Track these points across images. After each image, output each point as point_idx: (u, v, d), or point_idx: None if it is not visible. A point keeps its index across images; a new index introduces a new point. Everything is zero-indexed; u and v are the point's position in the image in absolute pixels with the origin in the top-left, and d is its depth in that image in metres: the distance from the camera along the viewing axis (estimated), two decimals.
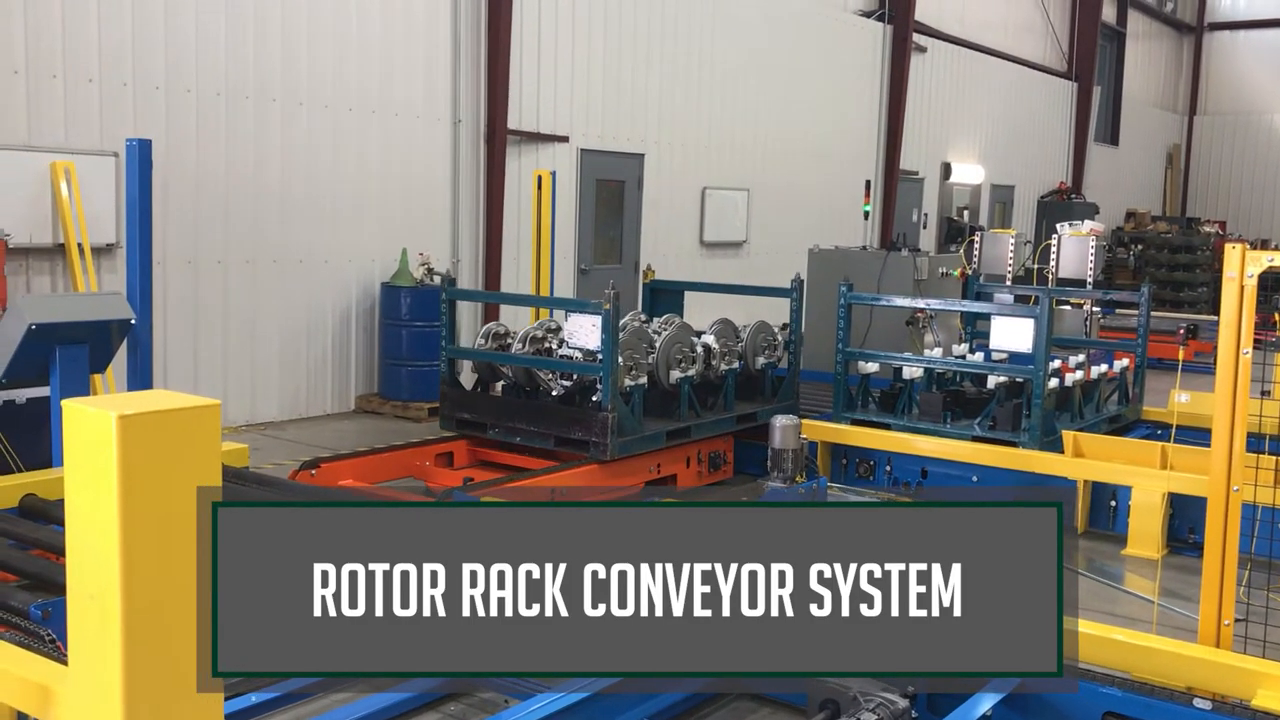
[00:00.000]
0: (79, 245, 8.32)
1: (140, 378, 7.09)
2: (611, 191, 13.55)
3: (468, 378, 8.48)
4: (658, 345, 7.74)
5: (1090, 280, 10.47)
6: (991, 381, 8.38)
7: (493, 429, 7.85)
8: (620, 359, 7.36)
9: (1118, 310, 15.23)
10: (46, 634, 4.05)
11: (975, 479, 7.75)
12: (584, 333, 7.55)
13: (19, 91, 8.16)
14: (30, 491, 5.75)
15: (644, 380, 7.55)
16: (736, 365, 8.30)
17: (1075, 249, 10.48)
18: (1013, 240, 10.81)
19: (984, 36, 21.39)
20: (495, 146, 11.62)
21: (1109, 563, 6.80)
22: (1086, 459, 7.43)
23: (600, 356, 7.30)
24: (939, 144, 20.63)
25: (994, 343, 8.41)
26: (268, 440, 9.21)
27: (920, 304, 9.29)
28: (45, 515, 5.62)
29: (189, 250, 9.24)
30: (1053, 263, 10.60)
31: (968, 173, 21.49)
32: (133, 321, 6.41)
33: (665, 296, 9.61)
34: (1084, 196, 25.24)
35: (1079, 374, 8.57)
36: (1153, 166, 30.98)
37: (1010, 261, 10.87)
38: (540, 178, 10.43)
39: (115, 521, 1.79)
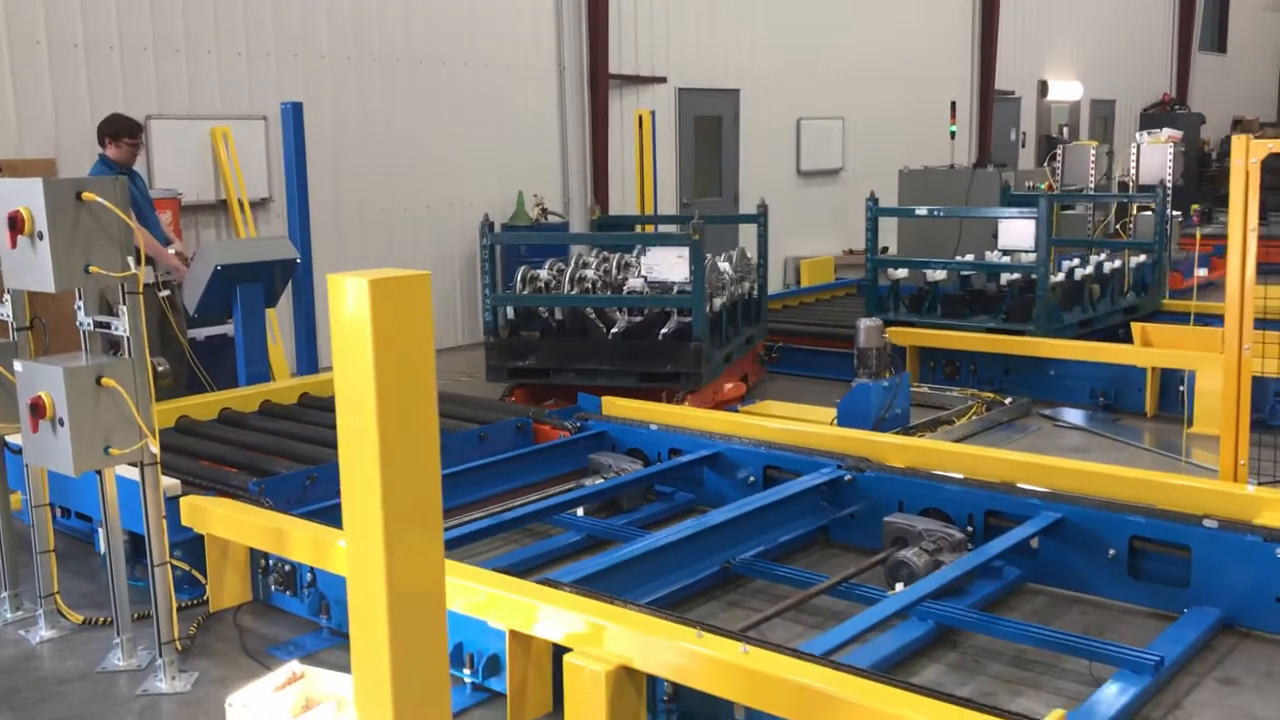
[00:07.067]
0: (239, 201, 9.43)
1: (305, 312, 8.16)
2: (709, 127, 14.25)
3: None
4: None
5: (1169, 185, 10.85)
6: (1004, 279, 9.22)
7: (557, 373, 7.73)
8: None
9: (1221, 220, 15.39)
10: (265, 503, 5.09)
11: (1053, 373, 8.37)
12: (668, 265, 7.59)
13: (180, 67, 9.25)
14: (226, 406, 6.88)
15: (719, 309, 7.87)
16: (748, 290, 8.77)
17: (1154, 156, 10.89)
18: (1094, 151, 11.24)
19: None
20: (598, 91, 12.44)
21: (1175, 440, 7.37)
22: (1155, 348, 7.99)
23: (680, 289, 7.53)
24: (1036, 62, 20.71)
25: (1001, 243, 9.41)
26: None
27: (939, 211, 9.72)
28: (241, 424, 6.73)
29: (330, 201, 10.29)
30: (1132, 171, 11.02)
31: (1066, 89, 21.51)
32: (297, 260, 7.46)
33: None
34: (1189, 107, 24.91)
35: (1088, 269, 9.37)
36: (1264, 73, 30.22)
37: (1092, 172, 11.31)
38: (640, 117, 11.20)
39: (371, 369, 2.55)
